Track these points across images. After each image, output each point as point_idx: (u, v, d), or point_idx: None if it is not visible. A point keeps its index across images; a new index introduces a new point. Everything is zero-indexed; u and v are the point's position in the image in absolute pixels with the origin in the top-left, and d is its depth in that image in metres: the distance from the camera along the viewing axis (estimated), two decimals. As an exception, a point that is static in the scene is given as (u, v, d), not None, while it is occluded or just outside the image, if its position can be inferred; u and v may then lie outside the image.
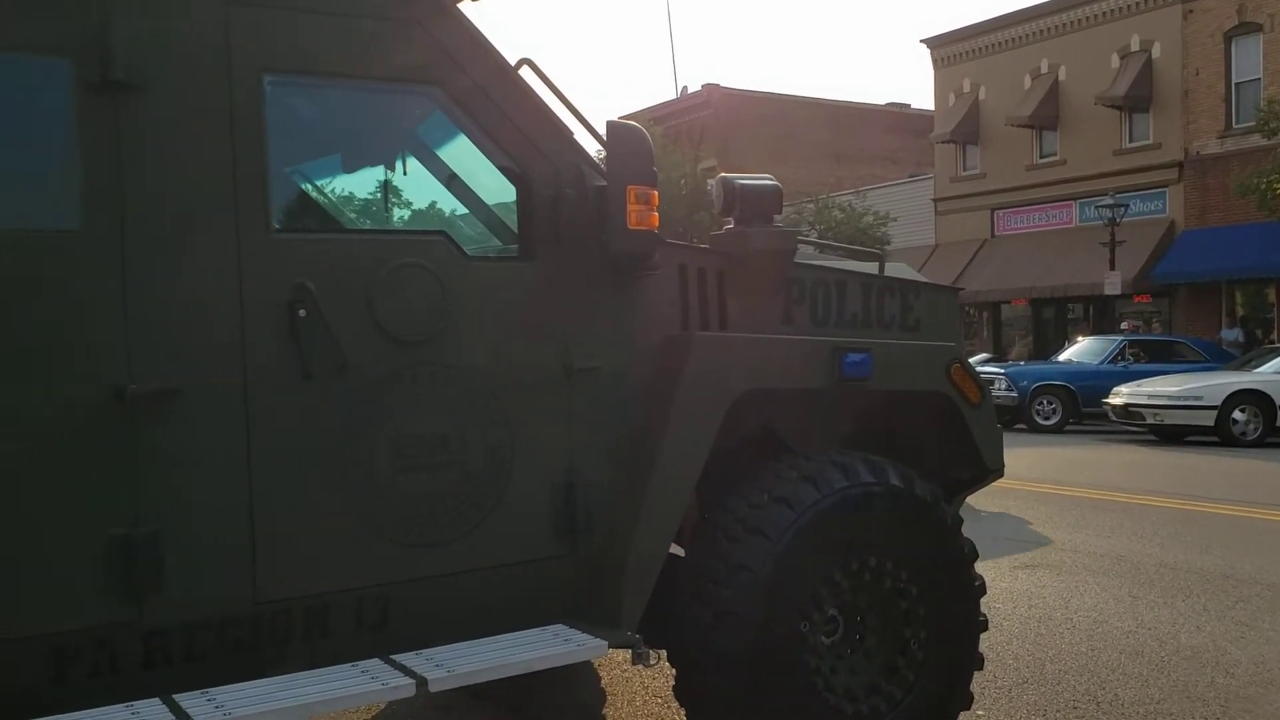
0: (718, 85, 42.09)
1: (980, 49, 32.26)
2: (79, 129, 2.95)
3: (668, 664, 3.93)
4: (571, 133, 3.75)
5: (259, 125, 3.17)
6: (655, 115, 39.13)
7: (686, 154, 34.66)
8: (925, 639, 4.02)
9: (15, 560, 2.86)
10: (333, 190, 4.52)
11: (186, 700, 2.98)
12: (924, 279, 5.36)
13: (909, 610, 4.00)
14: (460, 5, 3.49)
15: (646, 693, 5.12)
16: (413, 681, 3.10)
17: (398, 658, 3.29)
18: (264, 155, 3.19)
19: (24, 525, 2.87)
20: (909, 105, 46.04)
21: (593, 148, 3.91)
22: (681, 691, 3.85)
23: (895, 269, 5.01)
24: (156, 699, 2.99)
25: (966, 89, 32.70)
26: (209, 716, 2.88)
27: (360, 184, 4.60)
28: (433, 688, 3.12)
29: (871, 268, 4.84)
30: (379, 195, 4.45)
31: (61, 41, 2.92)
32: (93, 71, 2.94)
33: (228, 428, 3.12)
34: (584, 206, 3.61)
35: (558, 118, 3.71)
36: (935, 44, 33.78)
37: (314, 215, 4.25)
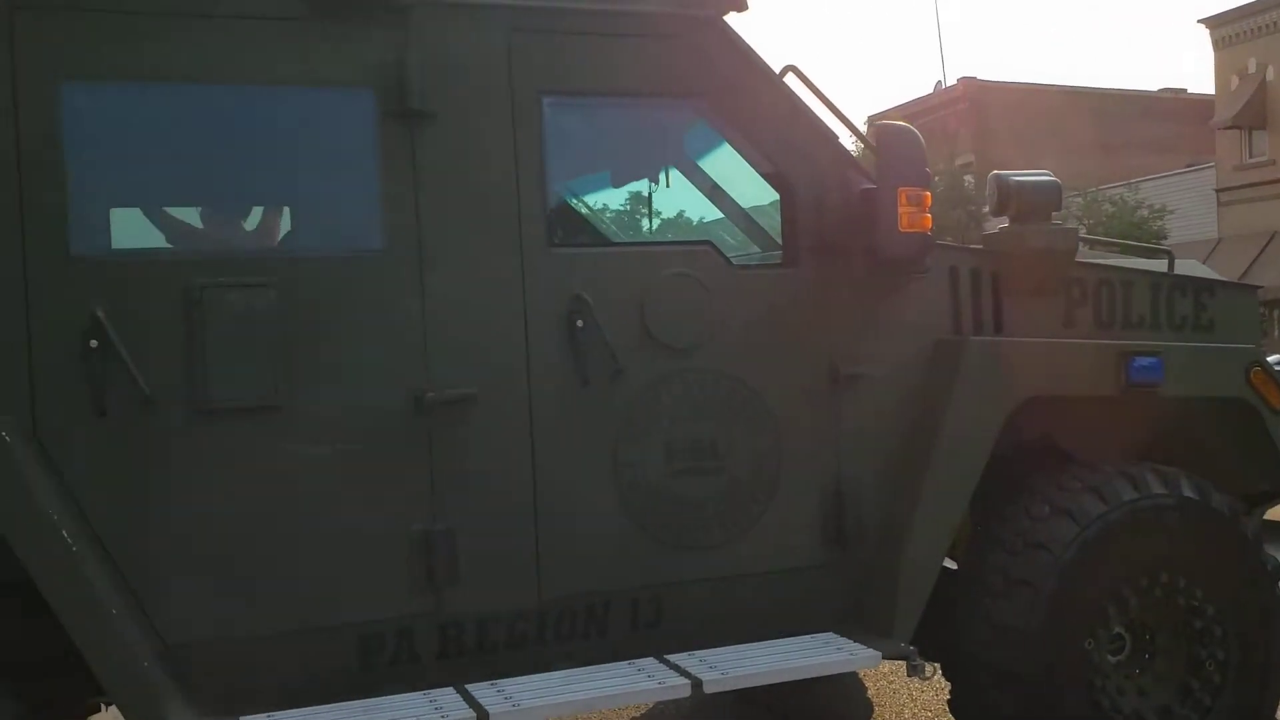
0: (974, 78, 40.68)
1: (1266, 26, 29.71)
2: (382, 156, 3.19)
3: (941, 678, 3.84)
4: (836, 137, 3.73)
5: (538, 145, 3.34)
6: (908, 112, 38.20)
7: (941, 151, 33.68)
8: (1223, 661, 3.75)
9: (332, 553, 3.11)
10: (602, 204, 4.68)
11: (478, 690, 3.17)
12: (1218, 276, 4.98)
13: (1204, 630, 3.74)
14: (726, 18, 3.54)
15: (915, 705, 5.01)
16: (688, 682, 3.17)
17: (671, 658, 3.37)
18: (543, 173, 3.35)
19: (339, 521, 3.13)
20: (1185, 90, 42.99)
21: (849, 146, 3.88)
22: (958, 707, 3.75)
23: (1185, 266, 4.67)
24: (450, 688, 3.19)
25: (1252, 69, 30.18)
26: (499, 706, 3.05)
27: (626, 197, 4.75)
28: (707, 689, 3.18)
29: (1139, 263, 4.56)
30: (644, 207, 4.58)
31: (366, 74, 3.16)
32: (393, 101, 3.17)
33: (514, 432, 3.29)
34: (849, 211, 3.59)
35: (822, 122, 3.71)
36: (1215, 23, 31.37)
37: (587, 229, 4.42)
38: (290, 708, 3.06)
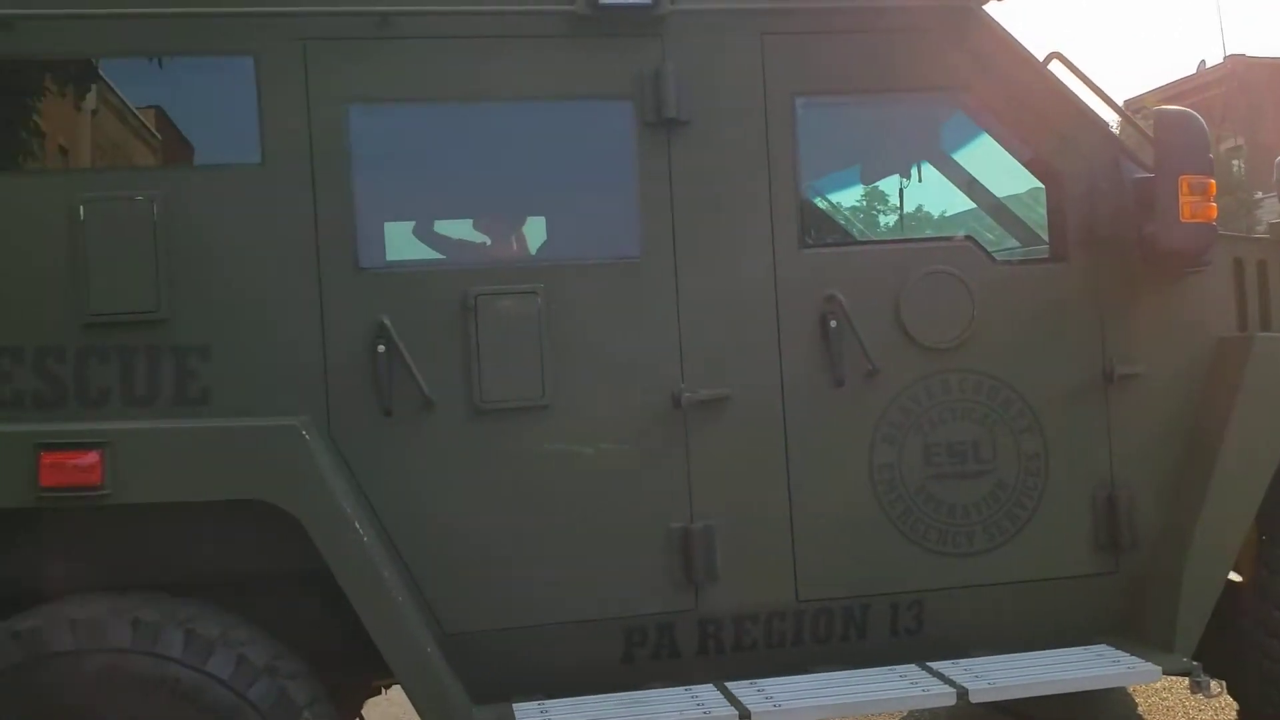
0: (1243, 55, 37.79)
1: None
2: (640, 165, 3.28)
3: (1228, 696, 3.59)
4: (1107, 124, 3.56)
5: (791, 147, 3.34)
6: (1170, 94, 35.85)
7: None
8: None
9: (597, 549, 3.22)
10: (853, 202, 4.64)
11: (737, 688, 3.20)
12: None
13: None
14: (986, 7, 3.44)
15: (1193, 725, 4.70)
16: (953, 690, 3.10)
17: (934, 665, 3.29)
18: (795, 175, 3.36)
19: (603, 518, 3.23)
20: None
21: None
22: (1247, 728, 3.50)
23: None
24: (710, 685, 3.24)
25: None
26: (760, 706, 3.06)
27: (877, 194, 4.69)
28: (973, 698, 3.09)
29: None
30: (895, 204, 4.50)
31: (625, 86, 3.26)
32: (650, 111, 3.25)
33: (768, 433, 3.30)
34: (1123, 201, 3.41)
35: (1091, 110, 3.54)
36: None
37: (838, 229, 4.39)
38: (558, 696, 3.18)
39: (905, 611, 3.39)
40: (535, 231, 3.85)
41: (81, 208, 3.00)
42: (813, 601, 3.33)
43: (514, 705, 3.15)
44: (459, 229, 3.81)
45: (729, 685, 3.22)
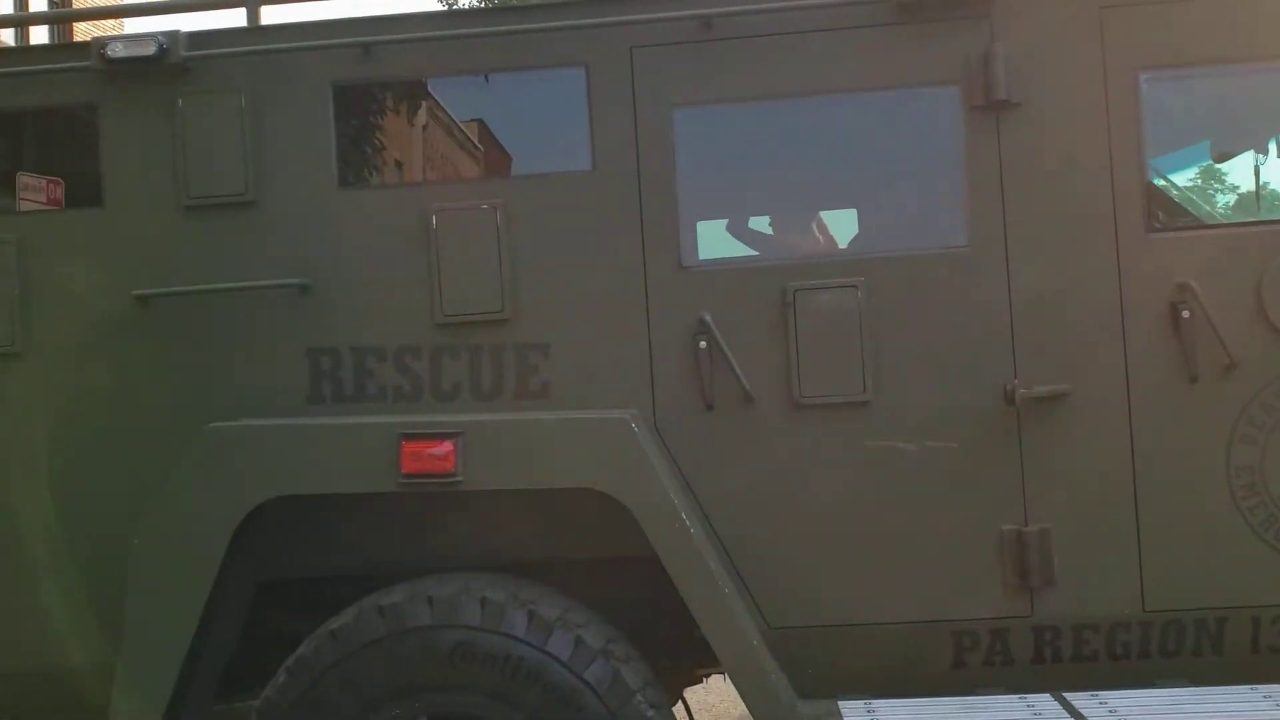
0: None
1: None
2: (967, 151, 3.17)
3: None
4: None
5: (1135, 126, 3.14)
6: None
7: None
8: None
9: (923, 549, 3.15)
10: (1200, 182, 4.28)
11: (1077, 699, 3.03)
12: None
13: None
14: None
15: None
16: (1332, 718, 2.80)
17: (1307, 688, 3.00)
18: (1140, 156, 3.16)
19: (929, 517, 3.15)
20: None
21: None
22: None
23: None
24: (1048, 694, 3.09)
25: None
26: (1101, 718, 2.89)
27: (1225, 173, 4.30)
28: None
29: None
30: (1250, 182, 4.12)
31: (952, 71, 3.16)
32: (978, 95, 3.14)
33: (1112, 431, 3.11)
34: None
35: None
36: None
37: (1188, 211, 4.07)
38: (886, 697, 3.13)
39: (1269, 627, 3.09)
40: (845, 224, 3.80)
41: (434, 217, 3.24)
42: (1161, 612, 3.11)
43: (840, 702, 3.13)
44: (769, 225, 3.83)
45: (1068, 696, 3.06)
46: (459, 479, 3.08)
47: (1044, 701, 3.03)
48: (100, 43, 3.28)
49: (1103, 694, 3.05)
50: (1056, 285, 3.14)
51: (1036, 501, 3.13)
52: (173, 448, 3.18)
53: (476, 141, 3.71)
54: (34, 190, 3.76)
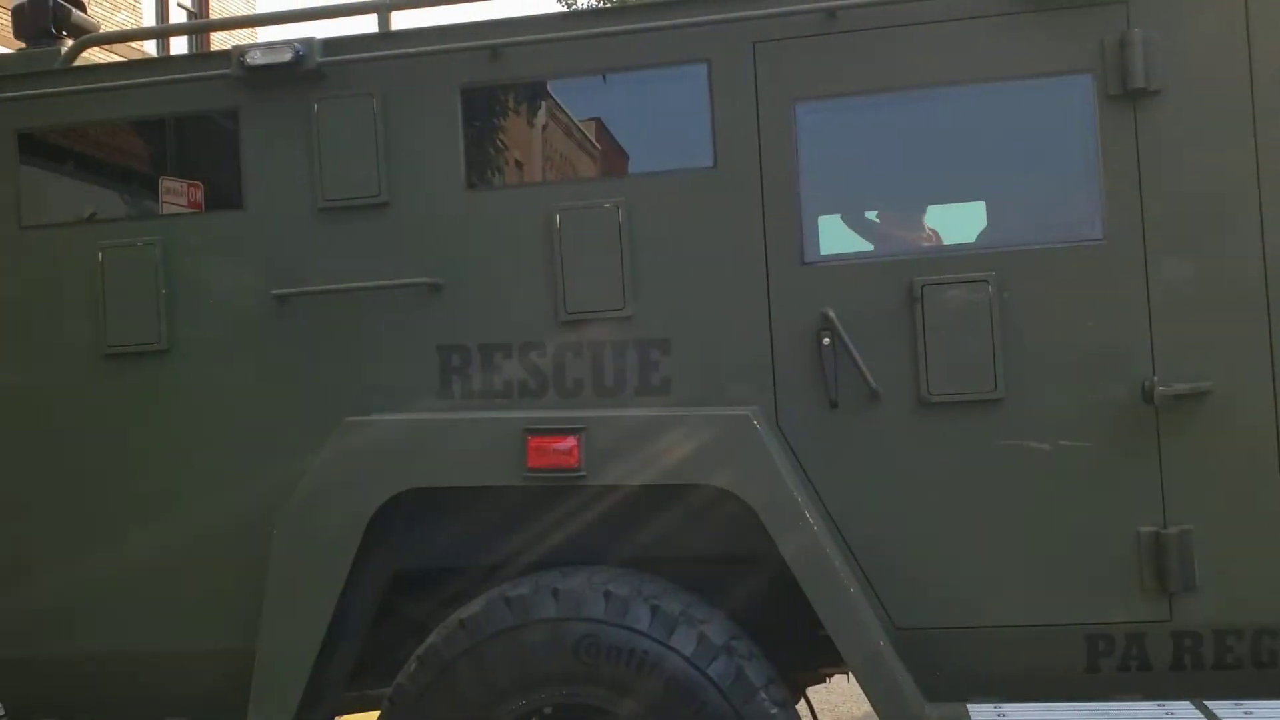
0: None
1: None
2: (1101, 141, 3.08)
3: None
4: None
5: None
6: None
7: None
8: None
9: (1056, 550, 3.07)
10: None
11: (1220, 708, 2.94)
12: None
13: None
14: None
15: None
16: None
17: None
18: None
19: (1063, 518, 3.07)
20: None
21: None
22: None
23: None
24: (1188, 702, 2.99)
25: None
26: (1247, 730, 2.79)
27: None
28: None
29: None
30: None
31: (1085, 59, 3.07)
32: (1114, 83, 3.04)
33: (1260, 431, 2.99)
34: None
35: None
36: None
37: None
38: (1016, 701, 3.06)
39: None
40: (968, 219, 3.72)
41: (557, 216, 3.29)
42: None
43: (969, 706, 3.07)
44: (892, 220, 3.77)
45: (1210, 704, 2.95)
46: (582, 474, 3.12)
47: (1184, 709, 2.94)
48: (240, 51, 3.41)
49: (1247, 704, 2.94)
50: (1198, 278, 3.03)
51: (1176, 502, 3.02)
52: (310, 441, 3.29)
53: (594, 140, 3.74)
54: (176, 194, 3.92)
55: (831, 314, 3.15)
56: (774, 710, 2.96)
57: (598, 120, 3.65)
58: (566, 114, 3.64)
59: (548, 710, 3.13)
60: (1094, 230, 3.10)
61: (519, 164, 3.68)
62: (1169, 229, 3.04)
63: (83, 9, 3.84)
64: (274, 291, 3.39)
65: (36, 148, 3.64)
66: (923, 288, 3.12)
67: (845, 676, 4.02)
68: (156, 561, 3.44)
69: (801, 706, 3.78)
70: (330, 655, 3.25)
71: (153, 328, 3.45)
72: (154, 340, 3.46)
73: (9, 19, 3.89)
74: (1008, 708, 3.04)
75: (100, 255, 3.49)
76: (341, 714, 3.75)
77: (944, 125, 3.36)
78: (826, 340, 3.16)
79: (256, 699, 3.19)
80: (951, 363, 3.11)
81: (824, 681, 4.04)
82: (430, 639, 3.13)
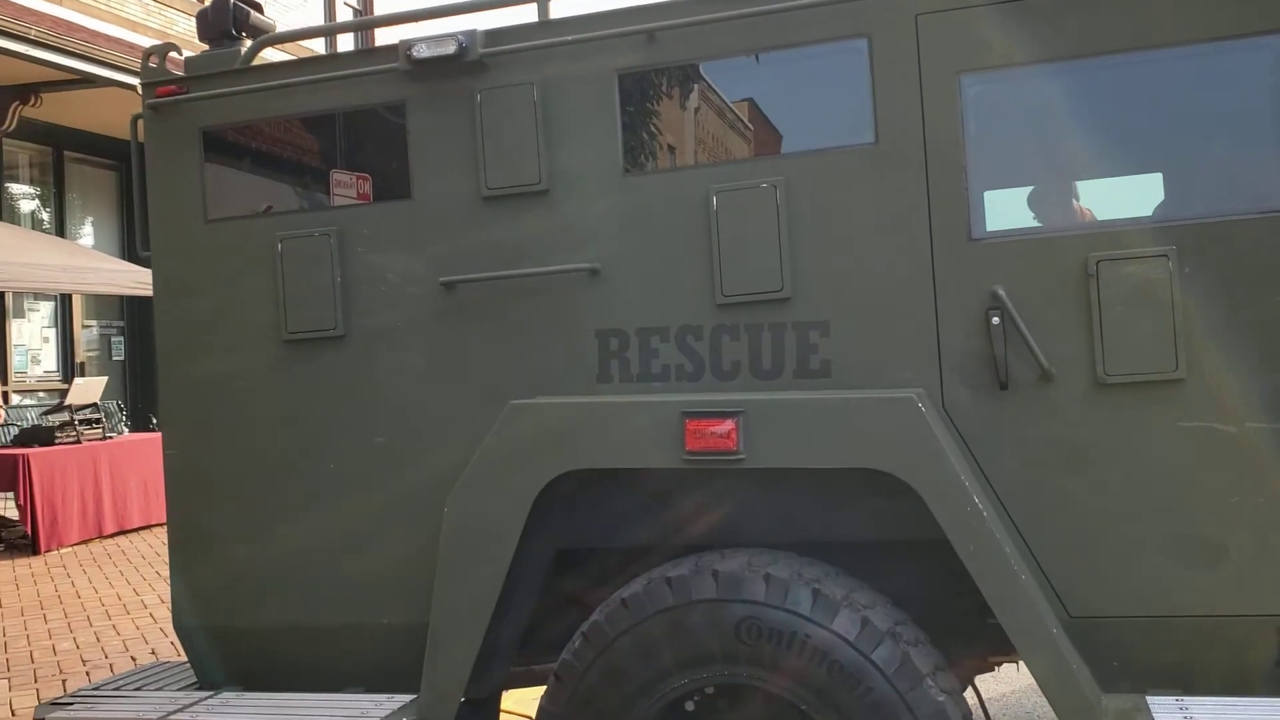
0: None
1: None
2: None
3: None
4: None
5: None
6: None
7: None
8: None
9: (1245, 537, 2.92)
10: None
11: None
12: None
13: None
14: None
15: None
16: None
17: None
18: None
19: (1250, 502, 2.92)
20: None
21: None
22: None
23: None
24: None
25: None
26: None
27: None
28: None
29: None
30: None
31: (1274, 19, 2.89)
32: None
33: None
34: None
35: None
36: None
37: None
38: (1199, 694, 2.93)
39: None
40: (1150, 190, 3.54)
41: (714, 198, 3.28)
42: None
43: (1148, 698, 2.95)
44: (1063, 195, 3.62)
45: None
46: (741, 457, 3.11)
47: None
48: (407, 45, 3.52)
49: None
50: None
51: None
52: (479, 423, 3.38)
53: (747, 121, 3.72)
54: (345, 186, 4.07)
55: (1001, 292, 3.06)
56: (941, 698, 2.90)
57: (749, 101, 3.62)
58: (718, 95, 3.62)
59: (710, 689, 3.15)
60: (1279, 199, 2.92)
61: (671, 147, 3.68)
62: None
63: (260, 11, 4.02)
64: (440, 279, 3.49)
65: (218, 145, 3.83)
66: (1098, 264, 3.00)
67: (1015, 665, 3.92)
68: (336, 539, 3.59)
69: (970, 695, 3.69)
70: (498, 630, 3.34)
71: (330, 314, 3.60)
72: (331, 326, 3.60)
73: (194, 23, 4.10)
74: (1190, 700, 2.90)
75: (279, 246, 3.66)
76: (509, 687, 3.85)
77: (1117, 93, 3.21)
78: (996, 319, 3.07)
79: (429, 670, 3.30)
80: (1129, 342, 2.98)
81: (993, 670, 3.94)
82: (594, 616, 3.19)
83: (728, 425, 3.13)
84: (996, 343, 3.06)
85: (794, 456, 3.11)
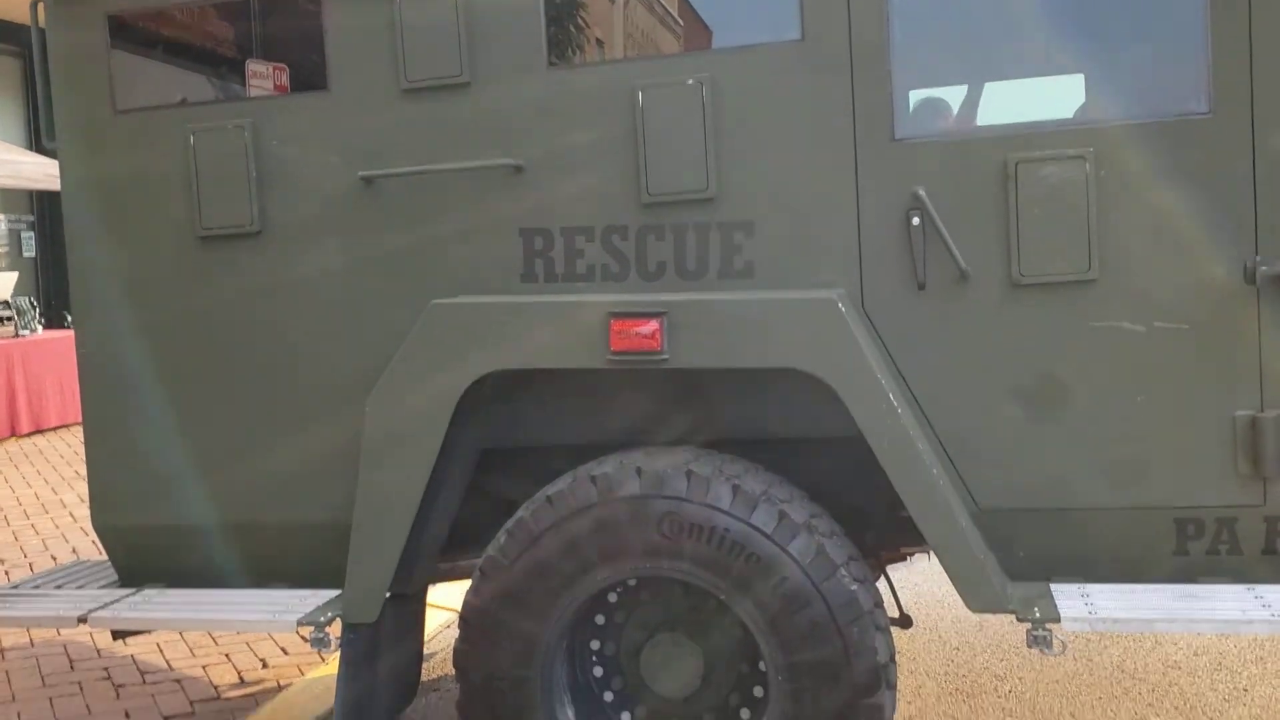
0: None
1: None
2: (1210, 9, 2.92)
3: None
4: None
5: None
6: None
7: None
8: None
9: (1148, 434, 3.03)
10: None
11: (1313, 592, 2.89)
12: None
13: None
14: None
15: None
16: None
17: None
18: None
19: (1154, 401, 3.02)
20: None
21: None
22: None
23: None
24: (1278, 586, 2.95)
25: None
26: (1336, 614, 2.75)
27: None
28: None
29: None
30: None
31: None
32: None
33: None
34: None
35: None
36: None
37: None
38: (1100, 582, 3.07)
39: None
40: (1071, 92, 3.58)
41: (640, 94, 3.24)
42: None
43: (1051, 585, 3.08)
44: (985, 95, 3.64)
45: (1302, 589, 2.92)
46: (665, 357, 3.13)
47: (1275, 593, 2.90)
48: (322, -71, 3.38)
49: (1342, 588, 2.90)
50: None
51: (1275, 386, 2.94)
52: (399, 322, 3.36)
53: (677, 16, 3.66)
54: (261, 77, 3.95)
55: (922, 192, 3.09)
56: (854, 586, 3.00)
57: None
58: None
59: (631, 582, 3.22)
60: (1199, 104, 2.97)
61: (598, 41, 3.62)
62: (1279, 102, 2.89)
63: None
64: (360, 174, 3.42)
65: (126, 31, 3.67)
66: (1017, 165, 3.03)
67: (926, 555, 4.05)
68: (255, 439, 3.57)
69: (882, 584, 3.83)
70: (422, 527, 3.37)
71: (244, 210, 3.52)
72: (246, 223, 3.52)
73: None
74: (1093, 588, 3.04)
75: (191, 139, 3.55)
76: (435, 582, 3.89)
77: None
78: (916, 220, 3.10)
79: (353, 565, 3.32)
80: (1045, 243, 3.04)
81: (905, 560, 4.08)
82: (519, 513, 3.22)
83: (652, 326, 3.14)
84: (916, 243, 3.10)
85: (716, 357, 3.14)
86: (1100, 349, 3.04)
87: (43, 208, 15.72)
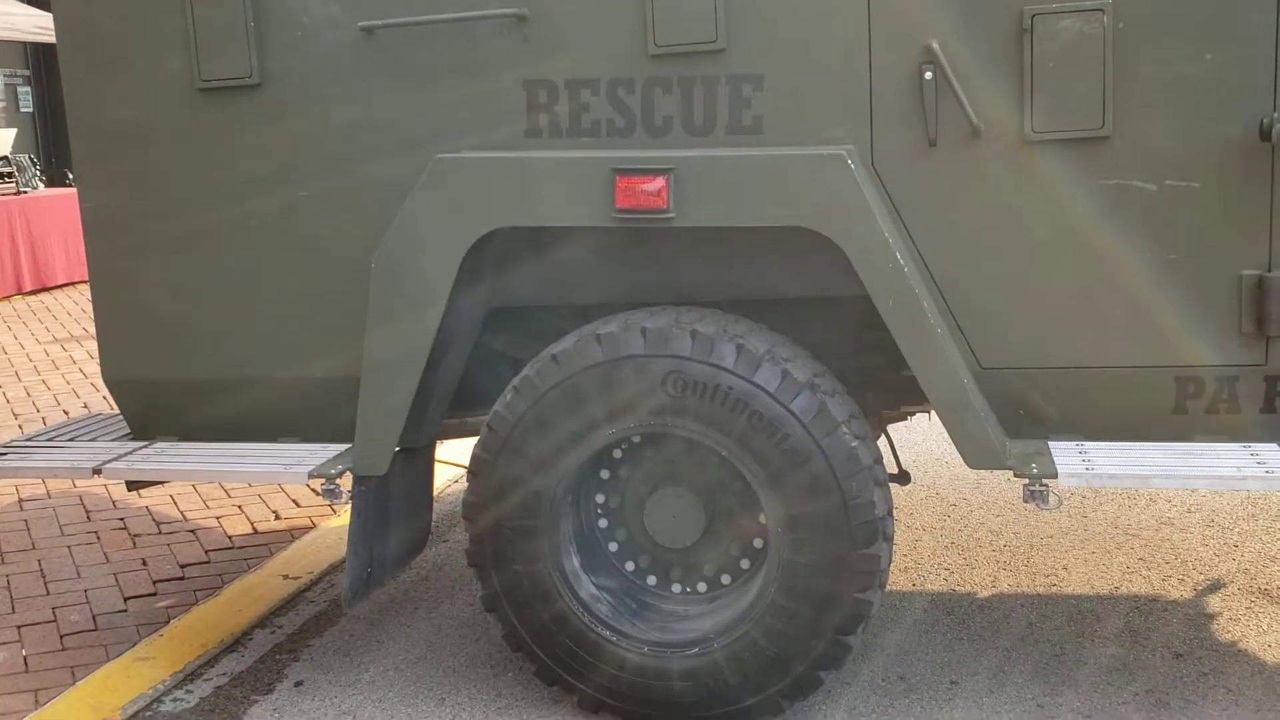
0: None
1: None
2: None
3: None
4: None
5: None
6: None
7: None
8: None
9: (1155, 293, 3.02)
10: None
11: (1308, 451, 2.93)
12: None
13: None
14: None
15: None
16: None
17: None
18: None
19: (1164, 260, 3.01)
20: None
21: None
22: None
23: None
24: (1275, 445, 2.99)
25: None
26: (1328, 471, 2.79)
27: None
28: None
29: None
30: None
31: None
32: None
33: None
34: None
35: None
36: None
37: None
38: (1099, 440, 3.11)
39: None
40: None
41: None
42: None
43: (1049, 442, 3.12)
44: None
45: (1299, 447, 2.95)
46: (671, 215, 3.11)
47: (1271, 452, 2.94)
48: None
49: (1334, 448, 2.93)
50: None
51: None
52: (403, 176, 3.32)
53: None
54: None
55: (935, 46, 3.01)
56: (854, 443, 3.04)
57: None
58: None
59: (636, 439, 3.27)
60: None
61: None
62: None
63: None
64: (360, 23, 3.34)
65: None
66: (1033, 18, 2.95)
67: (927, 414, 4.10)
68: (261, 294, 3.57)
69: (882, 442, 3.88)
70: (430, 383, 3.40)
71: (243, 61, 3.45)
72: (245, 74, 3.46)
73: None
74: (1090, 445, 3.08)
75: None
76: (443, 438, 3.95)
77: None
78: (929, 74, 3.03)
79: (363, 419, 3.36)
80: (1058, 98, 2.98)
81: (906, 419, 4.13)
82: (525, 371, 3.25)
83: (658, 183, 3.11)
84: (928, 98, 3.04)
85: (723, 215, 3.11)
86: (1110, 207, 3.01)
87: (39, 61, 15.42)
